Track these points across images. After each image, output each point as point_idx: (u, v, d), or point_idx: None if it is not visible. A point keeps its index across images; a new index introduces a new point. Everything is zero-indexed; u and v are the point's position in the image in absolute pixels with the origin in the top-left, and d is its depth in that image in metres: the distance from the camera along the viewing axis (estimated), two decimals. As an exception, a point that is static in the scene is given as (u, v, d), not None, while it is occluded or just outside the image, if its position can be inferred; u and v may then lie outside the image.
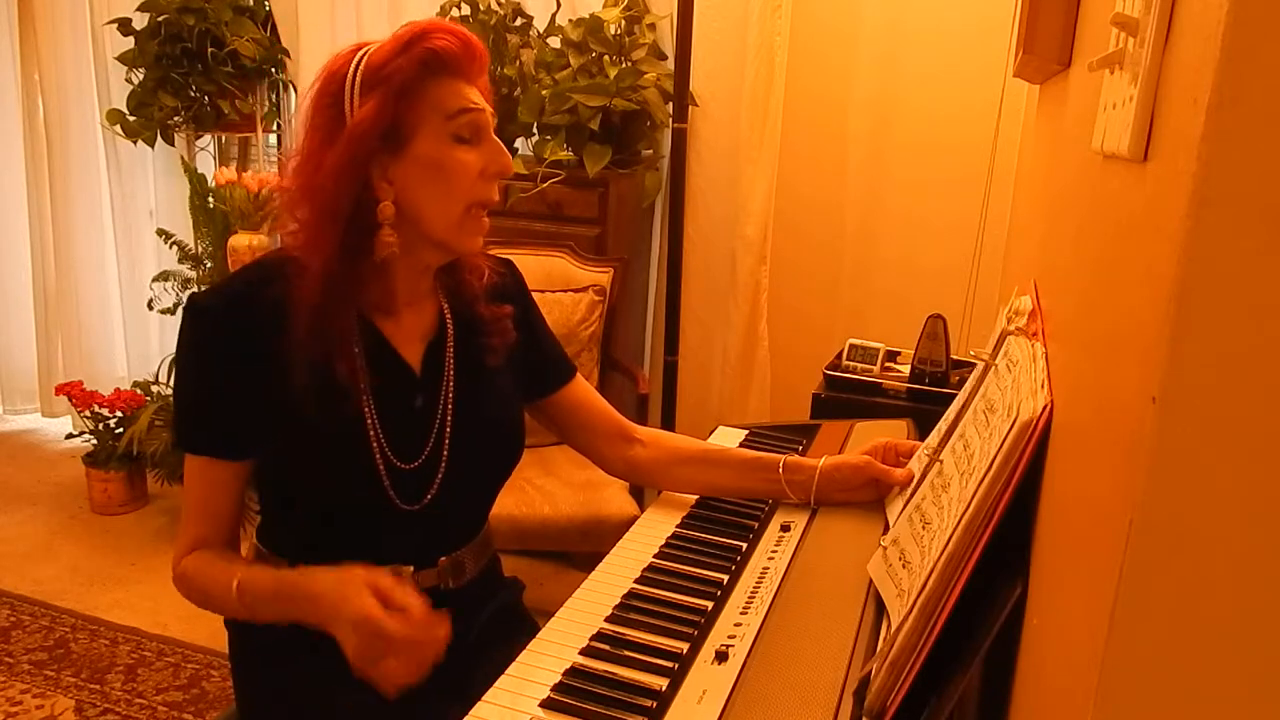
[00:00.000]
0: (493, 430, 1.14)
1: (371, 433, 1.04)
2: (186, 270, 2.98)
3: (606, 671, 0.88)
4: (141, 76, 2.92)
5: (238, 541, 1.07)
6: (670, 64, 2.44)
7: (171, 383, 2.74)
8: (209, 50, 2.82)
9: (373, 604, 0.89)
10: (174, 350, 3.04)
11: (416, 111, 0.99)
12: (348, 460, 1.03)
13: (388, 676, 0.90)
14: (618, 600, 1.02)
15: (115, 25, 2.92)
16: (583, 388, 1.27)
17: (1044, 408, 0.75)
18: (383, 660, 0.89)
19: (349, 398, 1.03)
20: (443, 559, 1.10)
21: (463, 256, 1.11)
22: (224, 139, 3.20)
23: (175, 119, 2.94)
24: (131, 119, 2.95)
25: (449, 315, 1.13)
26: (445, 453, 1.08)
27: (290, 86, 3.04)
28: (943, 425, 1.17)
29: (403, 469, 1.06)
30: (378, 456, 1.04)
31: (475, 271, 1.14)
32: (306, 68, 2.92)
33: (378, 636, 0.89)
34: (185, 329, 1.02)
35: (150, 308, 3.04)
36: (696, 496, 1.27)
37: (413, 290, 1.09)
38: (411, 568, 1.07)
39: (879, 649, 0.84)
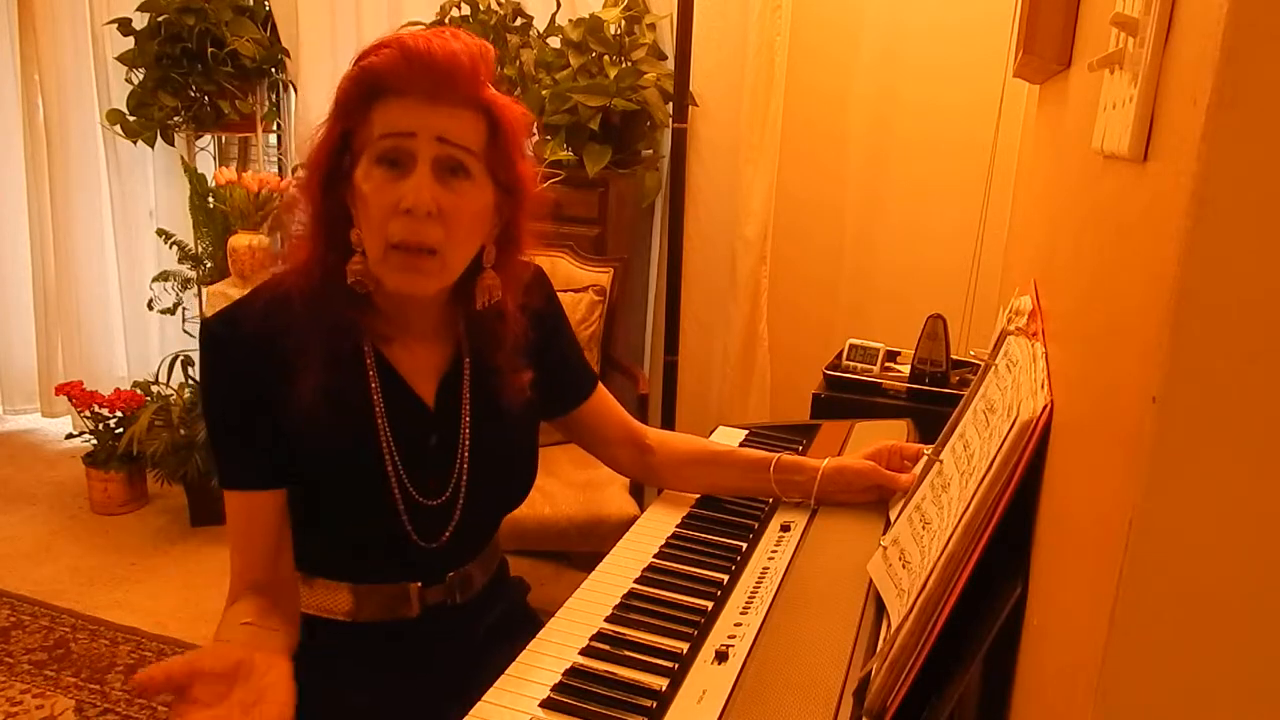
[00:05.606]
0: (509, 469, 1.12)
1: (390, 467, 1.01)
2: (186, 270, 2.98)
3: (606, 671, 0.88)
4: (141, 76, 2.92)
5: (287, 572, 1.02)
6: (670, 64, 2.44)
7: (199, 408, 2.74)
8: (209, 50, 2.82)
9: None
10: (173, 353, 3.03)
11: (362, 134, 0.94)
12: (368, 493, 1.01)
13: None
14: (618, 600, 1.02)
15: (115, 25, 2.92)
16: (601, 400, 1.24)
17: (1044, 408, 0.75)
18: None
19: (364, 426, 1.00)
20: (451, 574, 1.09)
21: (487, 305, 1.02)
22: (224, 139, 3.20)
23: (175, 119, 2.94)
24: (131, 119, 2.95)
25: (466, 354, 1.07)
26: (463, 492, 1.06)
27: (290, 86, 3.04)
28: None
29: (422, 505, 1.03)
30: (396, 493, 1.01)
31: (506, 321, 1.05)
32: (306, 68, 2.92)
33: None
34: (201, 357, 0.98)
35: (150, 308, 3.04)
36: (696, 496, 1.27)
37: (423, 323, 1.04)
38: (420, 584, 1.06)
39: (879, 649, 0.84)
